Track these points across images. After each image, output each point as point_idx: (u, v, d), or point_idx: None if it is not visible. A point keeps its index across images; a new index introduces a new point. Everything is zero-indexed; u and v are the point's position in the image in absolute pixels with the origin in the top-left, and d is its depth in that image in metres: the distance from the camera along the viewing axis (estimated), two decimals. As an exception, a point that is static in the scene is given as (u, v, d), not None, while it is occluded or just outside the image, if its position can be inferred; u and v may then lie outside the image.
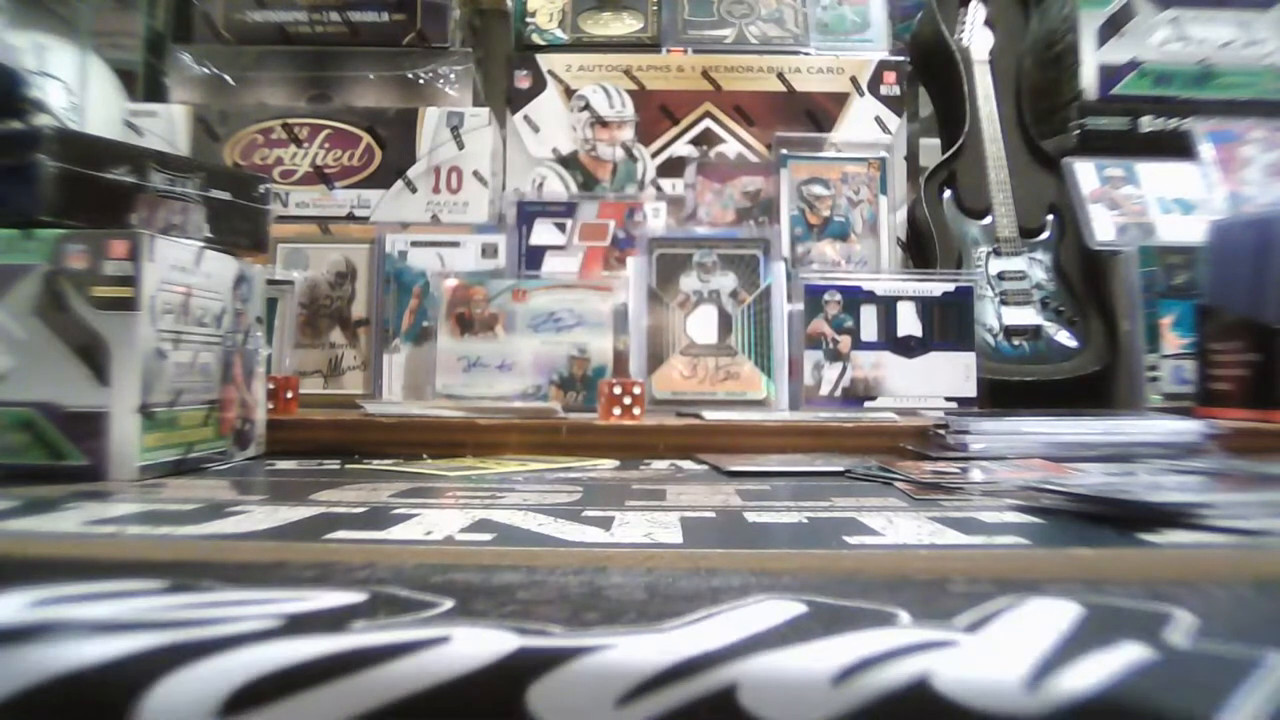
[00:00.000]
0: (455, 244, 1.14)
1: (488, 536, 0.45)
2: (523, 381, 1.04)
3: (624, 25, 1.30)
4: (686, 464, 0.81)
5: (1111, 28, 1.29)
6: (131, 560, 0.39)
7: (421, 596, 0.32)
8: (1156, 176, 1.22)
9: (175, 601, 0.32)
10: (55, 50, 1.15)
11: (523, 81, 1.26)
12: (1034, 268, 1.19)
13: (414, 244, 1.13)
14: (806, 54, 1.28)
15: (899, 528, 0.47)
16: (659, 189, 1.24)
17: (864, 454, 0.81)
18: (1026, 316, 1.16)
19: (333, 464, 0.77)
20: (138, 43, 1.28)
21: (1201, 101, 1.27)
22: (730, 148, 1.25)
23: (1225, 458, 0.79)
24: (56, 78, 1.13)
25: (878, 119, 1.25)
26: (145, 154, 0.70)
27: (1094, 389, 1.14)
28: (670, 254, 1.10)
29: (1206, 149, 1.22)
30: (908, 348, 1.07)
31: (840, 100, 1.26)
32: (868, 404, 1.05)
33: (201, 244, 0.71)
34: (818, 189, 1.22)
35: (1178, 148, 1.23)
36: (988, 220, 1.22)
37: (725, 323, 1.08)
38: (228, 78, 1.22)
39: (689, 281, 1.09)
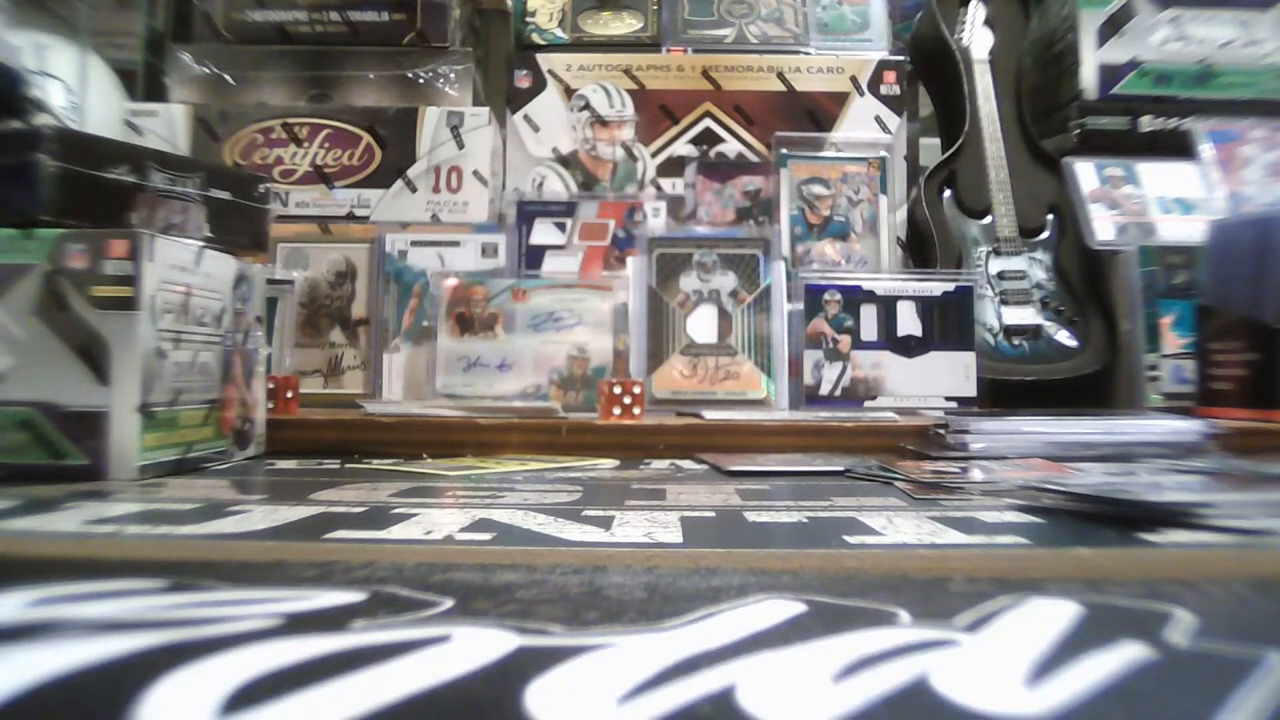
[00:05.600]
0: (455, 243, 1.14)
1: (488, 536, 0.45)
2: (523, 381, 1.04)
3: (624, 25, 1.30)
4: (686, 464, 0.81)
5: (1111, 27, 1.29)
6: (131, 560, 0.39)
7: (421, 596, 0.32)
8: (1156, 176, 1.22)
9: (175, 601, 0.32)
10: (55, 50, 1.15)
11: (523, 81, 1.26)
12: (1034, 267, 1.19)
13: (414, 243, 1.13)
14: (806, 54, 1.28)
15: (899, 527, 0.47)
16: (659, 189, 1.24)
17: (864, 454, 0.81)
18: (1026, 316, 1.16)
19: (333, 464, 0.77)
20: (138, 43, 1.28)
21: (1201, 101, 1.27)
22: (730, 147, 1.25)
23: (1225, 458, 0.79)
24: (56, 77, 1.13)
25: (878, 119, 1.25)
26: (145, 154, 0.70)
27: (1094, 389, 1.14)
28: (670, 254, 1.10)
29: (1206, 149, 1.22)
30: (908, 347, 1.07)
31: (840, 100, 1.26)
32: (868, 404, 1.05)
33: (201, 244, 0.71)
34: (818, 188, 1.22)
35: (1178, 147, 1.23)
36: (988, 220, 1.22)
37: (725, 322, 1.08)
38: (228, 77, 1.22)
39: (689, 281, 1.09)
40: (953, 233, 1.22)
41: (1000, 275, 1.18)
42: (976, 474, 0.69)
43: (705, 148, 1.25)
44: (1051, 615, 0.30)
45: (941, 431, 0.84)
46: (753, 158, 1.25)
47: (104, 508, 0.51)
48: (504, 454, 0.84)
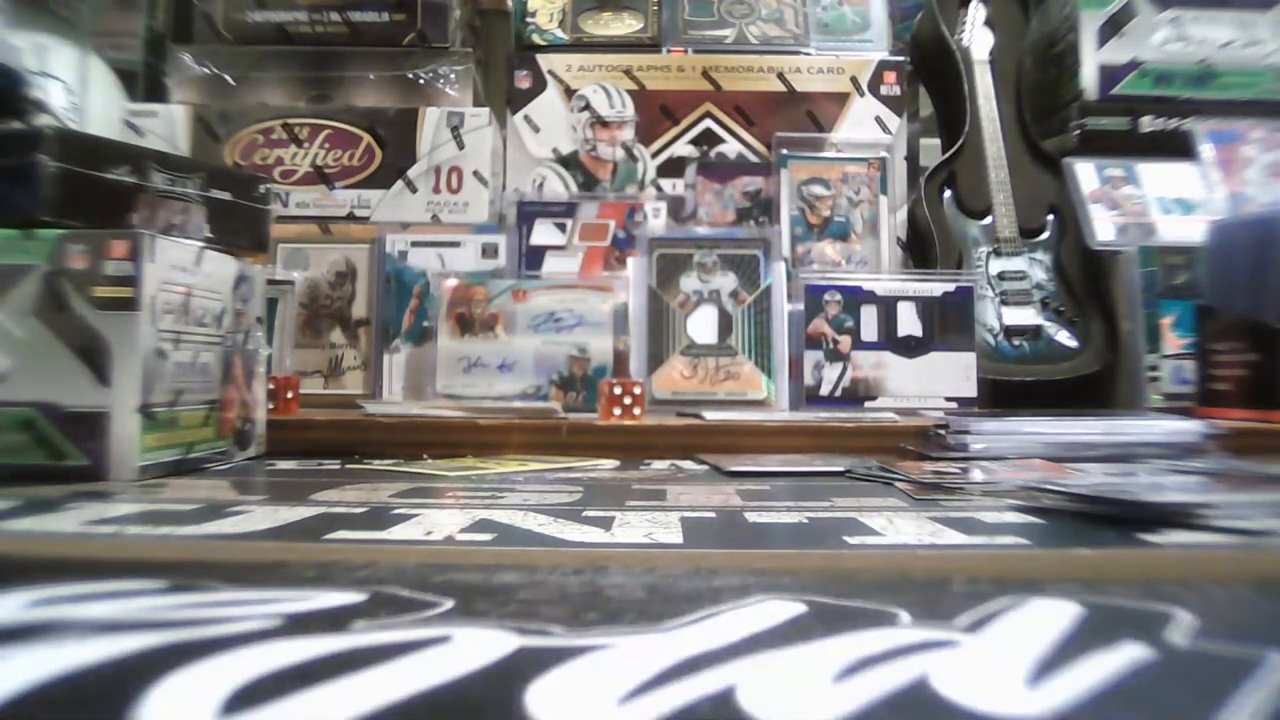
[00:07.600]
0: (455, 244, 1.14)
1: (488, 536, 0.45)
2: (523, 381, 1.04)
3: (624, 25, 1.30)
4: (687, 464, 0.81)
5: (1112, 28, 1.29)
6: (131, 560, 0.39)
7: (421, 596, 0.32)
8: (1156, 176, 1.22)
9: (175, 601, 0.32)
10: (55, 50, 1.15)
11: (523, 81, 1.26)
12: (1034, 268, 1.19)
13: (414, 244, 1.13)
14: (807, 54, 1.28)
15: (899, 528, 0.47)
16: (659, 189, 1.24)
17: (864, 454, 0.81)
18: (1027, 316, 1.16)
19: (333, 464, 0.77)
20: (138, 43, 1.28)
21: (1201, 101, 1.27)
22: (730, 148, 1.25)
23: (1225, 458, 0.79)
24: (57, 78, 1.13)
25: (878, 119, 1.25)
26: (145, 154, 0.70)
27: (1094, 389, 1.14)
28: (670, 254, 1.10)
29: (1206, 149, 1.22)
30: (908, 348, 1.07)
31: (840, 100, 1.26)
32: (868, 404, 1.05)
33: (202, 244, 0.71)
34: (818, 189, 1.22)
35: (1178, 148, 1.23)
36: (988, 220, 1.22)
37: (725, 323, 1.08)
38: (228, 78, 1.22)
39: (689, 281, 1.09)
40: (953, 233, 1.22)
41: (1000, 276, 1.18)
42: (977, 474, 0.69)
43: (705, 148, 1.25)
44: (1052, 616, 0.30)
45: (942, 432, 0.84)
46: (753, 158, 1.25)
47: (104, 508, 0.51)
48: (504, 454, 0.84)
